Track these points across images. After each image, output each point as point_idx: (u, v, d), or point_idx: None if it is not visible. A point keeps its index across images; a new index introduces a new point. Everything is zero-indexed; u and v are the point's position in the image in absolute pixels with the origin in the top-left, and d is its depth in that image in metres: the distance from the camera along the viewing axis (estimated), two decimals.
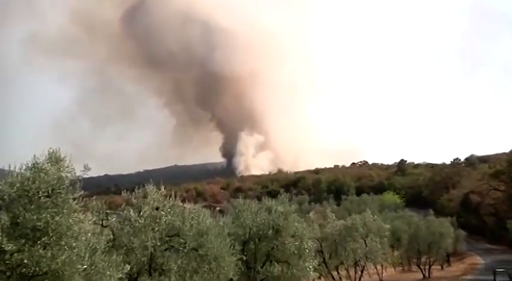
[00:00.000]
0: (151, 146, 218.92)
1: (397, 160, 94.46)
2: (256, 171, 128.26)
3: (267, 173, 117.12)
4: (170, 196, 7.96)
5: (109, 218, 7.48)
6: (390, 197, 56.36)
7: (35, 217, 5.15)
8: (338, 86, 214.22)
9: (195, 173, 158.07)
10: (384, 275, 24.21)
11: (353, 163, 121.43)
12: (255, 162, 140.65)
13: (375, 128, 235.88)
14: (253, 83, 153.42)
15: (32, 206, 5.22)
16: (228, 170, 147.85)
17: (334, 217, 18.26)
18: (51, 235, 5.19)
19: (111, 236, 7.23)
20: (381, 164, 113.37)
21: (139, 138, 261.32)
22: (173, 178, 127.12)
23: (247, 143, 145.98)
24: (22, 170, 5.44)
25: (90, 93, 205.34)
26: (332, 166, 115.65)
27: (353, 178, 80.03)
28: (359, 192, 62.26)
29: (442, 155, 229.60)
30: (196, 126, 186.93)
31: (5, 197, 5.28)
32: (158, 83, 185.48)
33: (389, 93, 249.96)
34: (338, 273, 18.52)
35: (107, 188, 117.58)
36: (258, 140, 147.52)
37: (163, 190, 7.94)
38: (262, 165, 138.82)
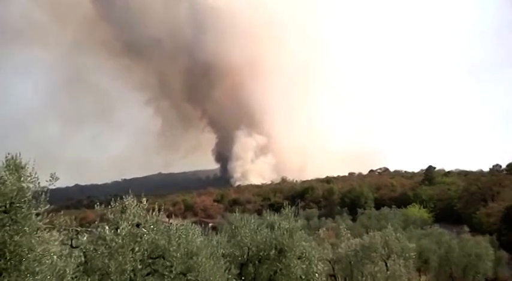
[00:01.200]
0: (132, 150, 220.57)
1: (424, 167, 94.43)
2: (255, 179, 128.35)
3: (269, 182, 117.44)
4: (154, 210, 7.93)
5: (80, 237, 7.44)
6: (416, 211, 56.32)
7: None
8: (354, 80, 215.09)
9: (183, 183, 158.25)
10: None
11: (371, 170, 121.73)
12: (254, 168, 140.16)
13: (398, 128, 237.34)
14: (253, 74, 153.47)
15: None
16: (222, 178, 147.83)
17: (349, 235, 18.22)
18: (8, 258, 5.15)
19: (82, 259, 7.19)
20: (405, 171, 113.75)
21: (118, 142, 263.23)
22: (157, 189, 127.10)
23: (245, 145, 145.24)
24: None
25: (59, 88, 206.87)
26: (346, 174, 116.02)
27: (371, 188, 79.94)
28: (378, 205, 62.29)
29: (479, 161, 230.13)
30: (185, 127, 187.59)
31: None
32: (140, 75, 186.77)
33: (415, 87, 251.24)
34: None
35: (78, 201, 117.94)
36: (258, 141, 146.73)
37: (145, 202, 7.91)
38: (263, 172, 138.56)
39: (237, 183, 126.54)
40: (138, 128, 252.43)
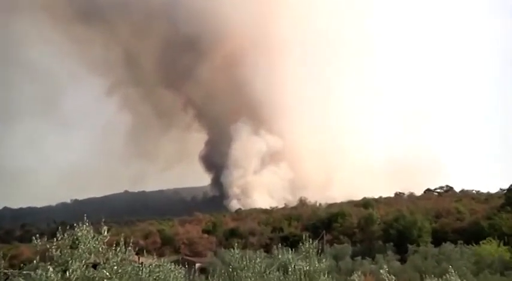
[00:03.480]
0: (87, 159, 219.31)
1: (505, 186, 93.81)
2: (262, 199, 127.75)
3: (281, 204, 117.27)
4: (118, 245, 7.95)
5: None
6: (493, 248, 55.85)
7: None
8: (402, 67, 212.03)
9: (159, 206, 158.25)
10: None
11: (428, 190, 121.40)
12: (259, 182, 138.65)
13: (464, 132, 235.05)
14: (258, 48, 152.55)
15: None
16: (215, 199, 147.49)
17: None
18: None
19: None
20: (477, 191, 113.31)
21: (67, 147, 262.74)
22: (123, 214, 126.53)
23: (247, 146, 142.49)
24: None
25: None
26: (391, 195, 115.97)
27: (428, 215, 79.60)
28: (438, 239, 61.92)
29: None
30: (164, 124, 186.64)
31: None
32: (99, 51, 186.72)
33: (488, 77, 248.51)
34: None
35: (8, 232, 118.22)
36: (267, 143, 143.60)
37: (105, 233, 7.93)
38: (273, 189, 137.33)
39: (235, 205, 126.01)
40: (97, 127, 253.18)
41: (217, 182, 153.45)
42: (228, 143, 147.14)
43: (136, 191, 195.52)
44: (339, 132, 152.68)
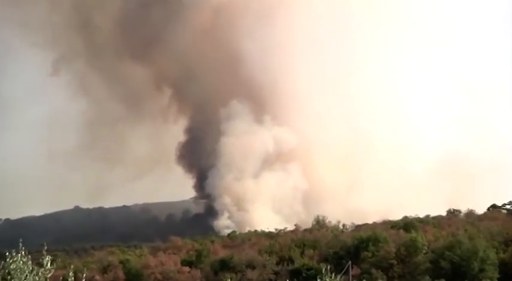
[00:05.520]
0: (24, 165, 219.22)
1: None
2: (262, 215, 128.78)
3: (291, 225, 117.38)
4: None
5: None
6: None
7: None
8: (470, 32, 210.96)
9: (123, 227, 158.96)
10: None
11: (493, 207, 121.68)
12: (260, 191, 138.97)
13: None
14: (255, 7, 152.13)
15: None
16: (200, 218, 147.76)
17: None
18: None
19: None
20: None
21: None
22: (74, 238, 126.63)
23: (242, 141, 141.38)
24: None
25: None
26: (443, 213, 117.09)
27: (494, 241, 79.78)
28: (508, 274, 62.22)
29: None
30: (131, 114, 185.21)
31: None
32: (42, 13, 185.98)
33: None
34: None
35: None
36: (273, 136, 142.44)
37: (49, 265, 7.78)
38: (279, 200, 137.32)
39: (226, 223, 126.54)
40: (38, 119, 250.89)
41: (202, 193, 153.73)
42: (217, 134, 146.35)
43: (91, 207, 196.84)
44: (369, 126, 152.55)
